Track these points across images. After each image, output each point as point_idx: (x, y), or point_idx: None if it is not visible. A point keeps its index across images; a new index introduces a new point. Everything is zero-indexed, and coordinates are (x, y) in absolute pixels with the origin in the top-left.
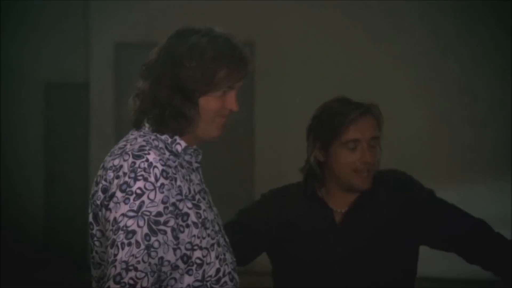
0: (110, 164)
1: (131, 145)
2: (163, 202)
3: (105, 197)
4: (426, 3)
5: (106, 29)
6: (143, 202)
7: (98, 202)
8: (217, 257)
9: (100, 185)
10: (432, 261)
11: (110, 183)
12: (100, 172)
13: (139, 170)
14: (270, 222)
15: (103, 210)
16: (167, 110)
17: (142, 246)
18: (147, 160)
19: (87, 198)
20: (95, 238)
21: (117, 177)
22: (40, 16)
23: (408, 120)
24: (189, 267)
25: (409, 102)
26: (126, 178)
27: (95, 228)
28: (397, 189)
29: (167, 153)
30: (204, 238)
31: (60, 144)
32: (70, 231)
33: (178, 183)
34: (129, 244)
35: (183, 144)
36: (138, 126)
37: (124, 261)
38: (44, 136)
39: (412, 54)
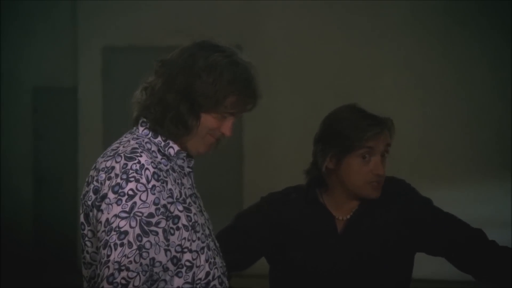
0: (103, 165)
1: (123, 147)
2: (154, 203)
3: (96, 198)
4: (415, 4)
5: (94, 33)
6: (135, 203)
7: (89, 203)
8: (207, 261)
9: (92, 186)
10: (421, 262)
11: (101, 184)
12: (91, 172)
13: (131, 171)
14: (270, 226)
15: (95, 211)
16: (171, 113)
17: (134, 247)
18: (139, 162)
19: (76, 201)
20: (86, 239)
21: (109, 178)
22: (28, 20)
23: (397, 122)
24: (179, 270)
25: (398, 104)
26: (118, 180)
27: (86, 228)
28: (395, 197)
29: (159, 156)
30: (194, 241)
31: (48, 148)
32: (60, 233)
33: (169, 186)
34: (122, 245)
35: (176, 148)
36: (136, 121)
37: (117, 262)
38: (32, 139)
39: (402, 55)
